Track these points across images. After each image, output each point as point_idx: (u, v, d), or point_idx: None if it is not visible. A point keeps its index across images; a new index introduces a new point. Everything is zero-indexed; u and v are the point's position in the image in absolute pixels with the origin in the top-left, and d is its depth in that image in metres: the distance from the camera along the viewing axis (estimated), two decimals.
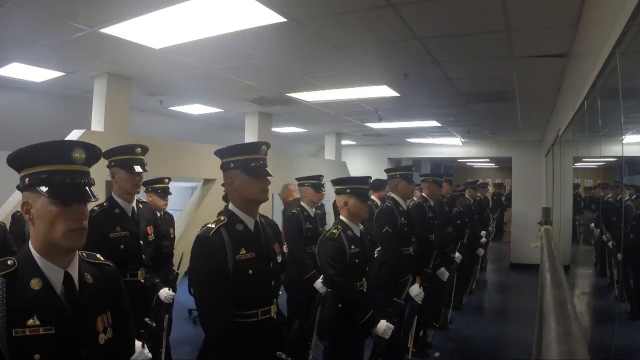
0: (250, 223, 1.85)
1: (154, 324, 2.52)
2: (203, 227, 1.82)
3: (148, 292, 2.73)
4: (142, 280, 2.62)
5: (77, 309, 1.21)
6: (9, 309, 1.10)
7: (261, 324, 1.77)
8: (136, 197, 2.72)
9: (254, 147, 1.85)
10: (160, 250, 2.84)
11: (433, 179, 4.34)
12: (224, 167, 1.85)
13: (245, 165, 1.80)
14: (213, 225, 1.77)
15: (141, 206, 2.74)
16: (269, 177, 1.84)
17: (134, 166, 2.57)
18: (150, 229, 2.74)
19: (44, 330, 1.12)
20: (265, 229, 1.93)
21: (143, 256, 2.64)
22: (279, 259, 1.97)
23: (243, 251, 1.75)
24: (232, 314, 1.71)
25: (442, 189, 5.03)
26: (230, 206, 1.86)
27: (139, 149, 2.63)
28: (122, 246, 2.50)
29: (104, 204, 2.57)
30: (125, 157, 2.57)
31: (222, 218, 1.81)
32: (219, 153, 1.87)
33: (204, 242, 1.73)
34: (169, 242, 3.12)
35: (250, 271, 1.75)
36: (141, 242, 2.63)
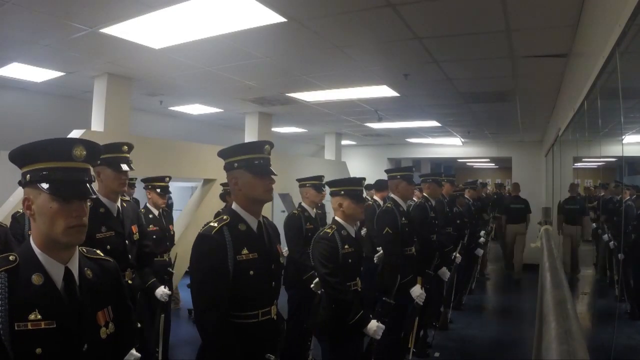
0: (253, 223, 1.84)
1: (139, 325, 2.51)
2: (205, 225, 1.81)
3: (139, 294, 2.72)
4: (130, 281, 2.59)
5: (78, 303, 1.23)
6: (11, 304, 1.12)
7: (262, 324, 1.77)
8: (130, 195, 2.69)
9: (258, 146, 1.84)
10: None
11: (433, 179, 4.34)
12: (228, 168, 1.84)
13: (249, 165, 1.79)
14: (216, 224, 1.76)
15: (125, 205, 2.69)
16: (273, 177, 1.84)
17: (121, 164, 2.51)
18: (135, 228, 2.69)
19: (45, 324, 1.14)
20: (268, 230, 1.93)
21: (129, 256, 2.60)
22: (282, 260, 1.97)
23: (245, 251, 1.75)
24: (228, 314, 1.70)
25: (443, 189, 5.03)
26: (234, 206, 1.85)
27: (125, 147, 2.57)
28: (108, 246, 2.43)
29: (89, 204, 2.53)
30: (111, 156, 2.50)
31: (225, 217, 1.80)
32: (222, 153, 1.87)
33: (205, 241, 1.73)
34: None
35: (252, 272, 1.74)
36: (127, 241, 2.59)
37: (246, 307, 1.74)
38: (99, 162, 2.50)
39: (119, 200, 2.63)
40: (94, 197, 1.25)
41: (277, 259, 1.91)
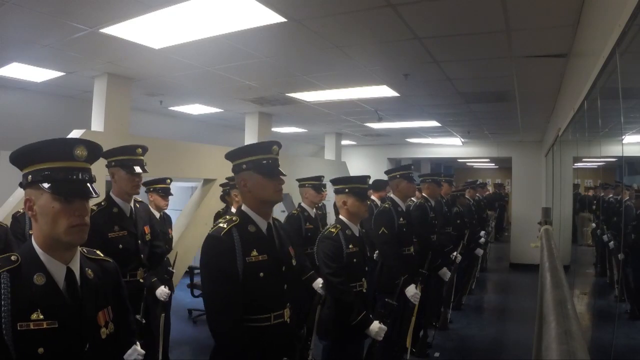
0: (262, 225, 1.81)
1: (144, 321, 2.53)
2: (214, 225, 1.79)
3: (146, 291, 2.74)
4: (141, 280, 2.63)
5: (79, 303, 1.23)
6: (13, 303, 1.12)
7: (274, 328, 1.73)
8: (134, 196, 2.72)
9: (266, 147, 1.82)
10: (154, 250, 2.84)
11: (432, 179, 4.34)
12: (236, 169, 1.82)
13: (257, 166, 1.77)
14: (225, 225, 1.74)
15: (138, 206, 2.75)
16: (282, 177, 1.82)
17: (134, 167, 2.57)
18: (147, 229, 2.75)
19: (47, 324, 1.14)
20: (279, 231, 1.90)
21: (142, 256, 2.64)
22: (294, 262, 1.93)
23: (254, 253, 1.72)
24: (241, 317, 1.67)
25: (442, 189, 5.03)
26: (244, 207, 1.83)
27: (139, 150, 2.63)
28: (120, 246, 2.51)
29: (102, 204, 2.57)
30: (125, 158, 2.57)
31: (234, 218, 1.78)
32: (229, 155, 1.84)
33: (214, 242, 1.71)
34: (163, 242, 3.12)
35: (262, 274, 1.71)
36: (139, 241, 2.64)
37: (258, 310, 1.71)
38: (112, 163, 2.55)
39: (132, 201, 2.67)
40: (96, 196, 1.26)
41: (288, 261, 1.87)
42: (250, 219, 1.80)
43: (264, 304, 1.73)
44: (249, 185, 1.79)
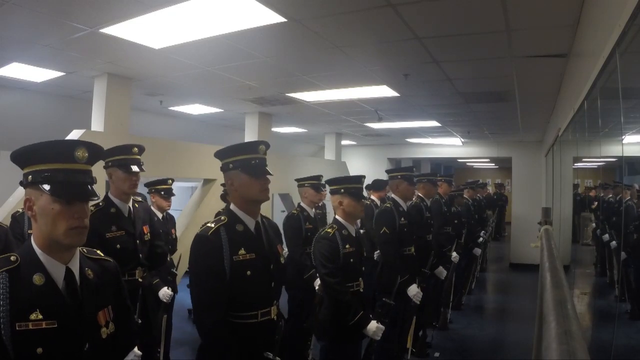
0: (250, 223, 1.84)
1: (140, 321, 2.52)
2: (203, 225, 1.82)
3: (145, 291, 2.73)
4: (140, 280, 2.63)
5: (79, 303, 1.23)
6: (12, 303, 1.12)
7: (261, 325, 1.77)
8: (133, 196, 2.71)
9: (253, 147, 1.85)
10: (154, 250, 2.83)
11: (428, 179, 4.34)
12: (224, 168, 1.85)
13: (244, 165, 1.80)
14: (213, 225, 1.77)
15: (137, 206, 2.74)
16: (269, 176, 1.84)
17: (131, 166, 2.56)
18: (146, 229, 2.74)
19: (46, 324, 1.14)
20: (267, 230, 1.92)
21: (140, 255, 2.64)
22: (282, 260, 1.96)
23: (242, 252, 1.75)
24: (226, 315, 1.71)
25: (441, 189, 5.03)
26: (232, 206, 1.85)
27: (135, 149, 2.62)
28: (118, 246, 2.50)
29: (100, 204, 2.57)
30: (122, 157, 2.56)
31: (222, 218, 1.81)
32: (218, 154, 1.88)
33: (202, 241, 1.74)
34: (163, 242, 3.12)
35: (249, 272, 1.74)
36: (137, 241, 2.63)
37: (245, 307, 1.74)
38: (109, 163, 2.54)
39: (131, 200, 2.66)
40: (96, 199, 1.26)
41: (276, 259, 1.90)
42: (238, 218, 1.82)
43: (251, 302, 1.76)
44: (235, 185, 1.82)
